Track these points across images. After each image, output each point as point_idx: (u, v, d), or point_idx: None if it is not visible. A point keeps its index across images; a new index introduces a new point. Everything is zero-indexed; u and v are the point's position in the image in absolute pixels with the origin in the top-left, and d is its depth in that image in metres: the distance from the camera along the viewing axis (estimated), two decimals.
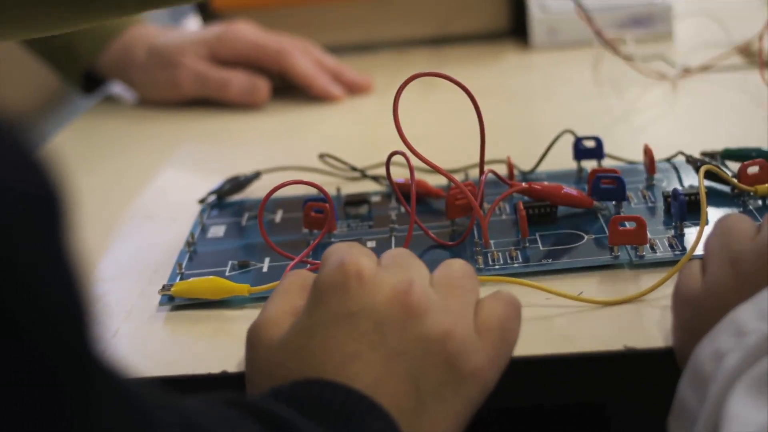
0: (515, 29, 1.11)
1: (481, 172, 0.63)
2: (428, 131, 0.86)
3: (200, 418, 0.36)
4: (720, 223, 0.51)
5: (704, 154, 0.70)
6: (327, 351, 0.45)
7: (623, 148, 0.73)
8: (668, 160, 0.71)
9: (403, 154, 0.60)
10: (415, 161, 0.60)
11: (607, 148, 0.72)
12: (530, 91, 0.97)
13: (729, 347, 0.43)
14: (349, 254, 0.48)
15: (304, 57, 0.99)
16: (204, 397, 0.41)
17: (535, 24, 1.07)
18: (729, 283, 0.47)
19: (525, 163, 0.73)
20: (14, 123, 0.27)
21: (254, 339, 0.49)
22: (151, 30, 1.03)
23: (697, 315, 0.48)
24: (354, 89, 0.99)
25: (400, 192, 0.66)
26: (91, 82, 1.05)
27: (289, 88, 1.00)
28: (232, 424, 0.40)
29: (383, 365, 0.45)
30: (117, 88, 1.08)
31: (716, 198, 0.64)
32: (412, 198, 0.60)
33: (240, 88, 0.98)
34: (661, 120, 0.84)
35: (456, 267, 0.51)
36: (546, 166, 0.73)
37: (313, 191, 0.63)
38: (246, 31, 1.01)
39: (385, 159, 0.63)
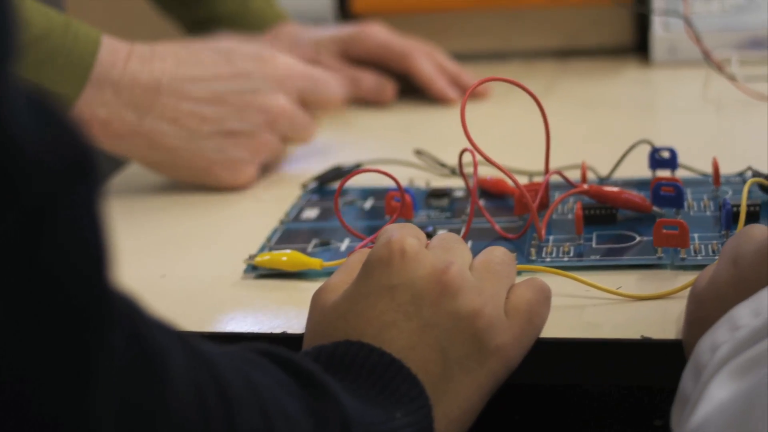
0: (640, 45, 1.15)
1: (546, 172, 0.68)
2: (534, 136, 0.91)
3: (220, 360, 0.42)
4: (741, 229, 0.55)
5: None
6: (367, 317, 0.52)
7: (705, 162, 0.76)
8: (740, 174, 0.74)
9: (472, 152, 0.65)
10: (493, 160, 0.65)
11: (691, 161, 0.75)
12: (639, 105, 1.01)
13: (724, 340, 0.47)
14: (398, 233, 0.54)
15: (427, 60, 1.06)
16: (239, 345, 0.48)
17: (657, 41, 1.10)
18: (728, 280, 0.51)
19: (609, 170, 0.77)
20: (50, 96, 0.34)
21: (314, 302, 0.55)
22: (295, 28, 1.11)
23: (699, 308, 0.52)
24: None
25: (483, 188, 0.72)
26: None
27: (412, 90, 1.06)
28: (255, 366, 0.46)
29: (416, 334, 0.51)
30: None
31: None
32: (473, 190, 0.65)
33: (369, 87, 1.05)
34: (751, 138, 0.87)
35: (496, 254, 0.57)
36: (625, 174, 0.77)
37: (401, 183, 0.69)
38: (377, 33, 1.08)
39: (480, 159, 0.68)
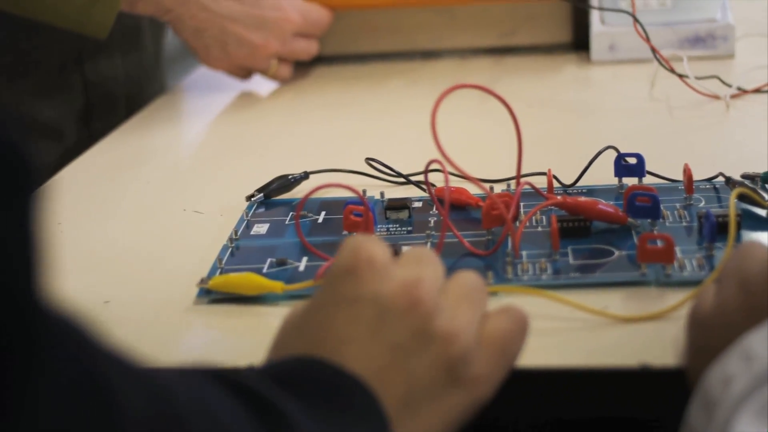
0: (578, 43, 1.12)
1: (518, 183, 0.64)
2: (482, 141, 0.87)
3: (174, 385, 0.38)
4: (740, 246, 0.52)
5: (744, 176, 0.70)
6: (324, 330, 0.47)
7: (668, 166, 0.73)
8: (709, 180, 0.71)
9: (440, 162, 0.61)
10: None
11: (653, 166, 0.72)
12: (585, 104, 0.98)
13: (737, 372, 0.44)
14: (365, 243, 0.49)
15: None
16: (185, 369, 0.43)
17: (595, 39, 1.07)
18: (737, 305, 0.48)
19: (571, 176, 0.73)
20: None
21: (286, 314, 0.51)
22: None
23: (705, 335, 0.49)
24: None
25: (442, 199, 0.67)
26: None
27: None
28: (213, 393, 0.41)
29: (379, 352, 0.46)
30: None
31: (751, 221, 0.65)
32: (446, 205, 0.61)
33: None
34: (710, 139, 0.85)
35: (467, 279, 0.52)
36: (589, 181, 0.73)
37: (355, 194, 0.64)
38: None
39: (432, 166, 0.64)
